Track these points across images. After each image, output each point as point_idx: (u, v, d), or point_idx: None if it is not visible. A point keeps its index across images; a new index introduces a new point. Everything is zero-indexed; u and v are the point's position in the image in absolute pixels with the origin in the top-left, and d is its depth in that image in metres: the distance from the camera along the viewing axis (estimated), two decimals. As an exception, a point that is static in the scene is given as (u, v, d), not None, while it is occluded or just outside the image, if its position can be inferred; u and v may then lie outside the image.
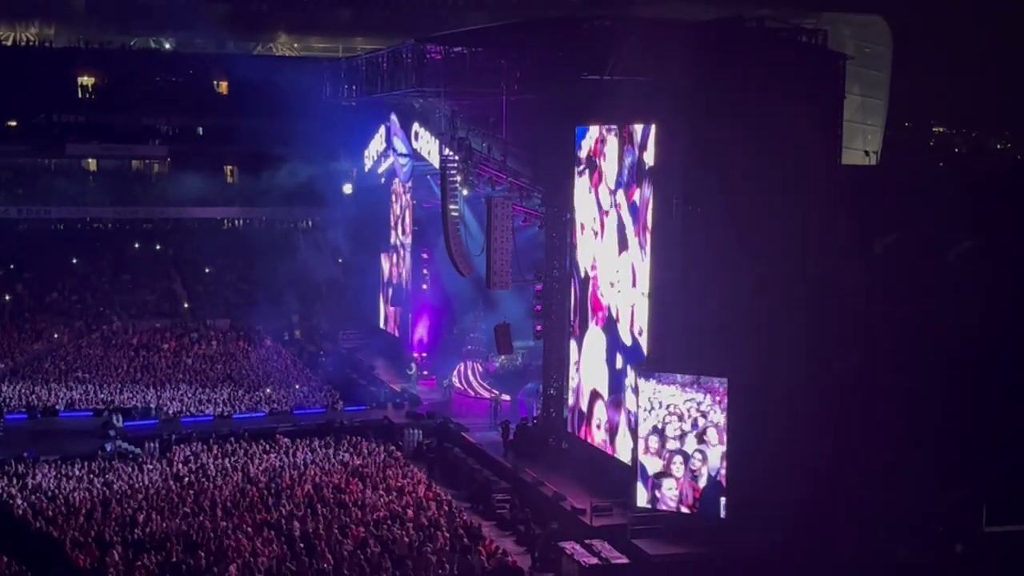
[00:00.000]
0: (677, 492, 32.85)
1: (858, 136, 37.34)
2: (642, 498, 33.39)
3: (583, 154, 39.77)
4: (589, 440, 39.60)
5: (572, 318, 41.21)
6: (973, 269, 33.04)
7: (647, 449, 33.30)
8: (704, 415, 32.40)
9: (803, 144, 33.40)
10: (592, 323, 39.62)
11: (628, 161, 36.52)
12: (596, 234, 39.09)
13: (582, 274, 40.25)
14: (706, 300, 32.95)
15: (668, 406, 32.87)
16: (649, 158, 35.17)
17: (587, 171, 39.44)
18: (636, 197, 36.00)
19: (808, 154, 33.65)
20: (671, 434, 32.89)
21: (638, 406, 33.81)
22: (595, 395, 39.14)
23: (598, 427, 38.89)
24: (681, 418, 32.73)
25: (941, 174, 39.67)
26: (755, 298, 31.83)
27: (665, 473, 32.96)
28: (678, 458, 32.76)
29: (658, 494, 33.08)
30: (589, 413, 39.57)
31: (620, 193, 37.07)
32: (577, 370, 40.79)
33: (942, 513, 32.61)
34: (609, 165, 37.82)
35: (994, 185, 35.94)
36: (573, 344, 41.25)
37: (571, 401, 41.32)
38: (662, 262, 34.67)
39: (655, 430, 33.13)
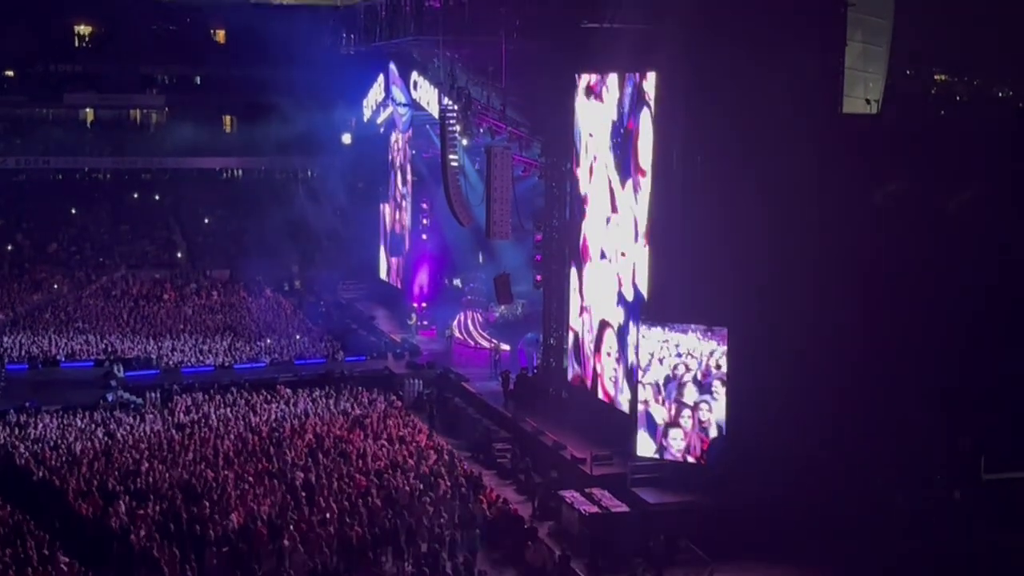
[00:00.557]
0: (684, 443, 32.76)
1: (859, 84, 37.02)
2: (647, 448, 33.29)
3: (583, 85, 39.53)
4: (598, 368, 39.37)
5: (578, 245, 41.07)
6: (974, 217, 32.98)
7: (654, 399, 33.16)
8: (719, 366, 32.33)
9: (804, 92, 33.19)
10: (593, 256, 39.49)
11: (628, 91, 36.31)
12: (592, 171, 38.98)
13: (585, 206, 40.08)
14: (706, 249, 32.85)
15: (680, 355, 32.71)
16: (649, 87, 34.93)
17: (591, 98, 39.13)
18: (633, 127, 35.97)
19: (809, 102, 33.46)
20: (681, 383, 32.75)
21: (638, 353, 33.76)
22: (604, 324, 38.92)
23: (608, 355, 38.62)
24: (691, 368, 32.62)
25: (942, 122, 39.40)
26: (756, 247, 31.73)
27: (673, 423, 32.85)
28: (687, 409, 32.66)
29: (665, 443, 32.99)
30: (599, 341, 39.19)
31: (620, 129, 36.94)
32: (581, 297, 40.65)
33: (941, 461, 32.77)
34: (610, 96, 37.57)
35: (995, 133, 35.74)
36: (574, 272, 41.20)
37: (578, 328, 41.11)
38: (662, 209, 34.56)
39: (665, 380, 32.97)
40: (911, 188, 32.91)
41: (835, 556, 29.43)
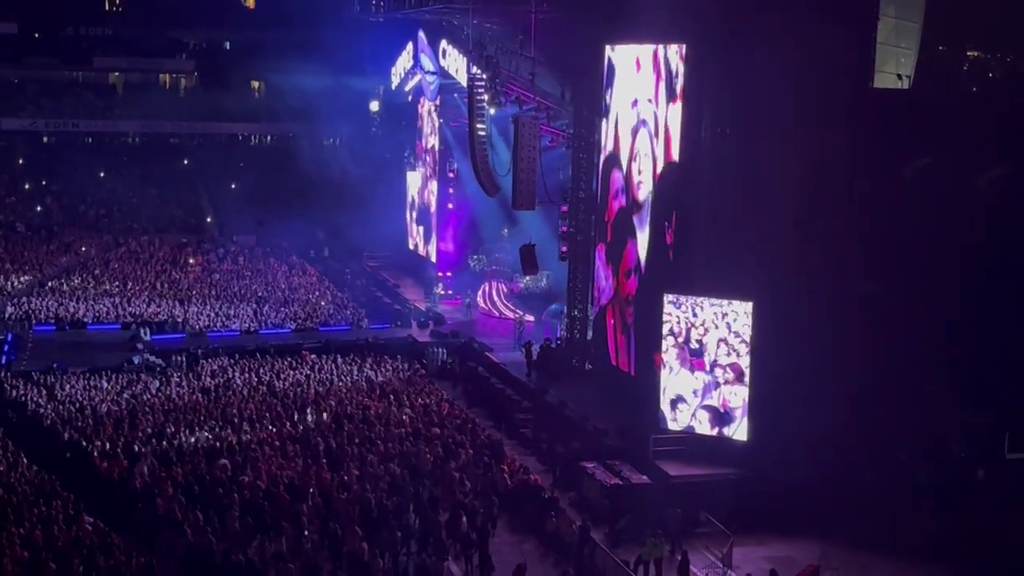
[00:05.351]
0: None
1: (891, 59, 36.61)
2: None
3: (611, 56, 39.27)
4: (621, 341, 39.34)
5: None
6: (1003, 195, 32.71)
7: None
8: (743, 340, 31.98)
9: (835, 66, 32.93)
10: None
11: (655, 62, 36.23)
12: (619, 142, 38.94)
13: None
14: (733, 222, 32.69)
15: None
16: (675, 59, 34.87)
17: (619, 69, 38.94)
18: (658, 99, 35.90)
19: (840, 77, 33.21)
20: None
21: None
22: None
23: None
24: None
25: (974, 99, 39.02)
26: (783, 221, 31.56)
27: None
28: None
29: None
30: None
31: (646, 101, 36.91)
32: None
33: (964, 439, 32.65)
34: (639, 67, 37.49)
35: (1027, 111, 35.39)
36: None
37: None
38: (690, 183, 34.39)
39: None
40: (941, 164, 32.62)
41: (855, 532, 29.43)
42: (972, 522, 29.52)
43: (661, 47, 35.81)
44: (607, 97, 39.83)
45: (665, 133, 35.67)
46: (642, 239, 37.64)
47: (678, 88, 34.76)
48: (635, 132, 38.06)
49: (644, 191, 37.52)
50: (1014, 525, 29.23)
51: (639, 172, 37.92)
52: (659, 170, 36.16)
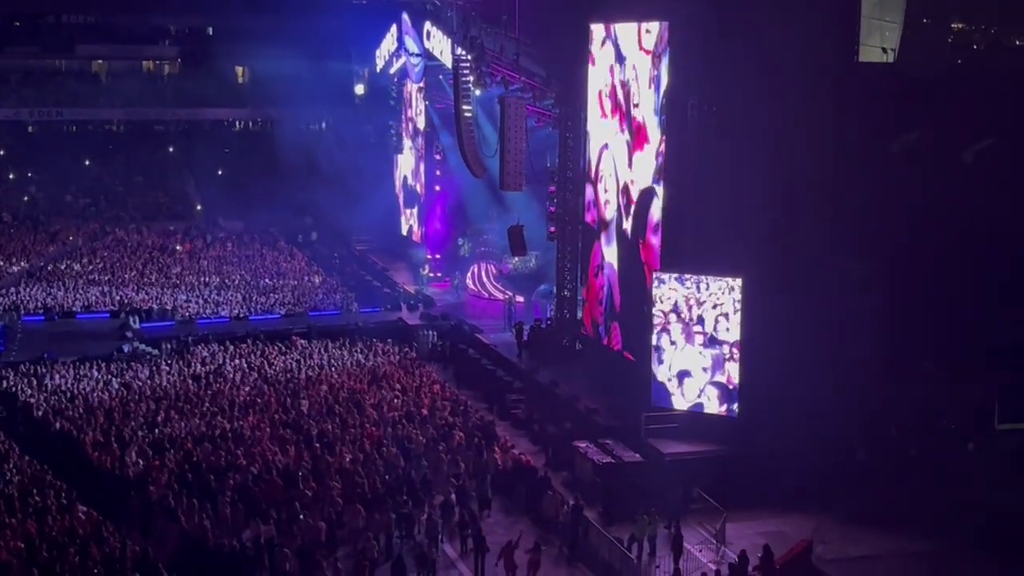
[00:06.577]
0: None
1: (876, 32, 36.58)
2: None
3: (597, 34, 39.21)
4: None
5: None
6: (990, 168, 32.75)
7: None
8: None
9: (820, 40, 32.89)
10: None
11: (638, 40, 36.24)
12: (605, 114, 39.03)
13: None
14: (721, 197, 32.64)
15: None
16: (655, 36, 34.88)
17: (604, 47, 38.92)
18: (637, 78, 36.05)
19: (825, 50, 33.16)
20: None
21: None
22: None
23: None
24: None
25: (959, 71, 39.03)
26: (771, 196, 31.55)
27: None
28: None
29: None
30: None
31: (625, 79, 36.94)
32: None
33: (954, 412, 32.75)
34: (621, 45, 37.47)
35: (1012, 83, 35.41)
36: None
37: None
38: (676, 159, 34.37)
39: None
40: (927, 137, 32.66)
41: (848, 506, 29.53)
42: (964, 494, 29.62)
43: (641, 25, 35.68)
44: (591, 76, 39.64)
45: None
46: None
47: (654, 66, 34.65)
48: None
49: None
50: (1005, 496, 29.36)
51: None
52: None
